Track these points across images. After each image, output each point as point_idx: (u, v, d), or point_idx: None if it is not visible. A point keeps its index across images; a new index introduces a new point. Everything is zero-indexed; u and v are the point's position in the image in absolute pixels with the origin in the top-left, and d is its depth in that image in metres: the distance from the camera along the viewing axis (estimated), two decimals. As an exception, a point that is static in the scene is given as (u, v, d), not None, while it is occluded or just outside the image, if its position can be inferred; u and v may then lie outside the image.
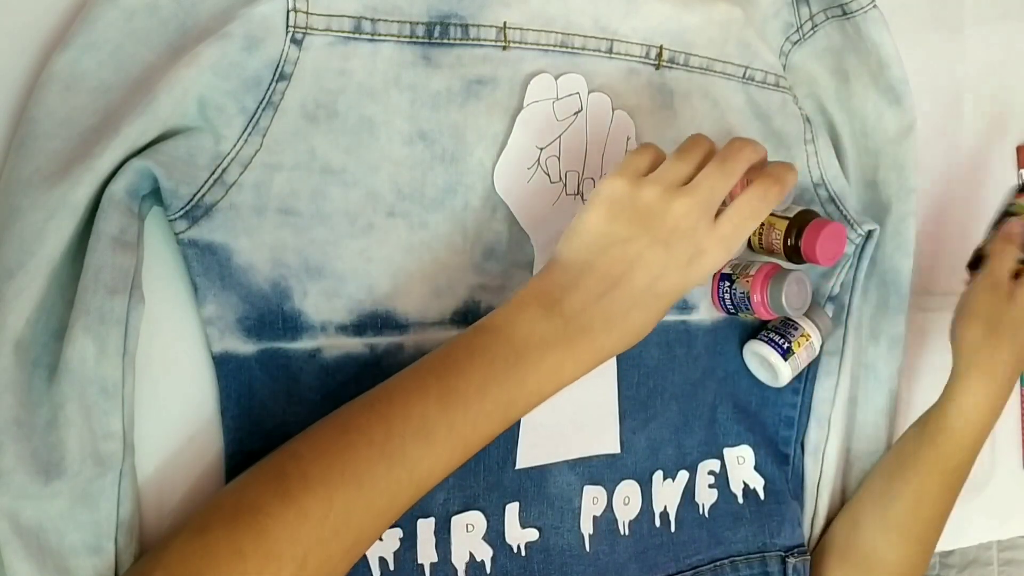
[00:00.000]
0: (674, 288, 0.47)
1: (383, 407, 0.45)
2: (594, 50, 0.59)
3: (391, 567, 0.53)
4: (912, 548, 0.67)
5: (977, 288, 0.67)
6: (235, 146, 0.49)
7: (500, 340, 0.46)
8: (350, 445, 0.43)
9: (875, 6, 0.66)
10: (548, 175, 0.57)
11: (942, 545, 0.84)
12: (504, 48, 0.56)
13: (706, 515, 0.66)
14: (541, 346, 0.46)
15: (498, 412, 0.45)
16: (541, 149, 0.57)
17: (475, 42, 0.55)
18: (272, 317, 0.50)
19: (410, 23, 0.53)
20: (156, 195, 0.48)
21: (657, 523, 0.63)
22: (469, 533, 0.56)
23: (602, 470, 0.61)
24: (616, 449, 0.61)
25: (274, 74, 0.49)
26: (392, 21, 0.52)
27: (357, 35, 0.51)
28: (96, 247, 0.45)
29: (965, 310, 0.67)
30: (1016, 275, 0.67)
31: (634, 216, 0.47)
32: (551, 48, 0.57)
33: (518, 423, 0.57)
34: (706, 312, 0.65)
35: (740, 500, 0.67)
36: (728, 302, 0.64)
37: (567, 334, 0.46)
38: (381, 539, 0.53)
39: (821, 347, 0.68)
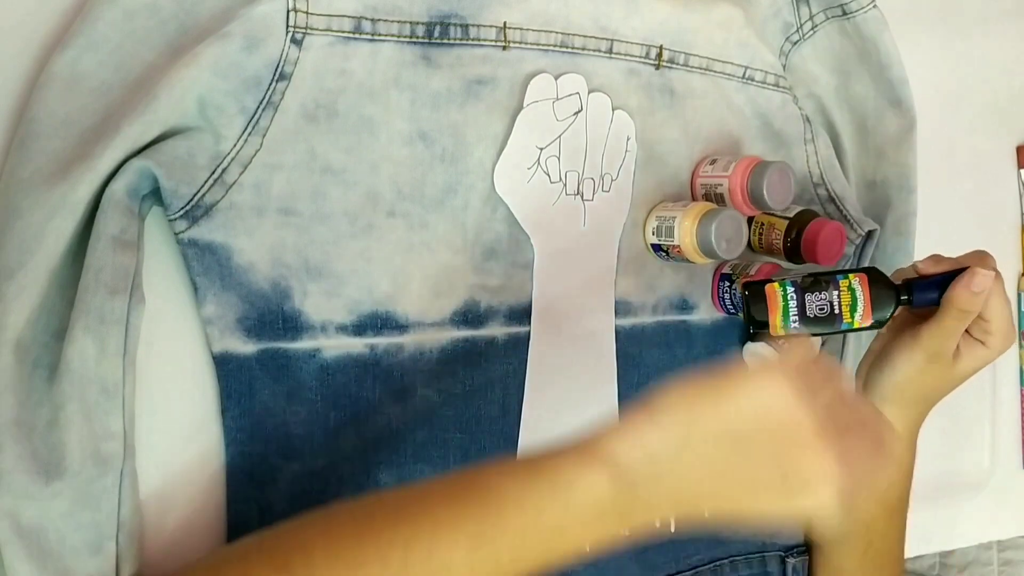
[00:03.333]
0: None
1: (407, 530, 0.40)
2: (594, 50, 0.59)
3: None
4: (881, 568, 0.65)
5: (916, 361, 0.57)
6: (235, 146, 0.49)
7: (554, 501, 0.40)
8: (363, 562, 0.39)
9: (875, 6, 0.66)
10: (548, 175, 0.57)
11: (942, 545, 0.84)
12: (504, 48, 0.56)
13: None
14: (598, 518, 0.41)
15: (528, 569, 0.41)
16: (541, 149, 0.57)
17: (475, 42, 0.55)
18: (272, 317, 0.50)
19: (410, 23, 0.53)
20: (156, 195, 0.48)
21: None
22: (469, 533, 0.56)
23: (602, 470, 0.61)
24: (616, 449, 0.61)
25: (274, 74, 0.49)
26: (392, 21, 0.52)
27: (357, 35, 0.51)
28: (96, 247, 0.45)
29: (905, 388, 0.58)
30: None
31: None
32: (551, 48, 0.57)
33: (518, 423, 0.57)
34: (706, 312, 0.65)
35: (740, 500, 0.67)
36: (728, 302, 0.64)
37: (630, 512, 0.42)
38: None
39: (821, 347, 0.68)
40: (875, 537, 0.64)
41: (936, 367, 0.57)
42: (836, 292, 0.54)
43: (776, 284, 0.55)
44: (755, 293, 0.55)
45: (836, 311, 0.54)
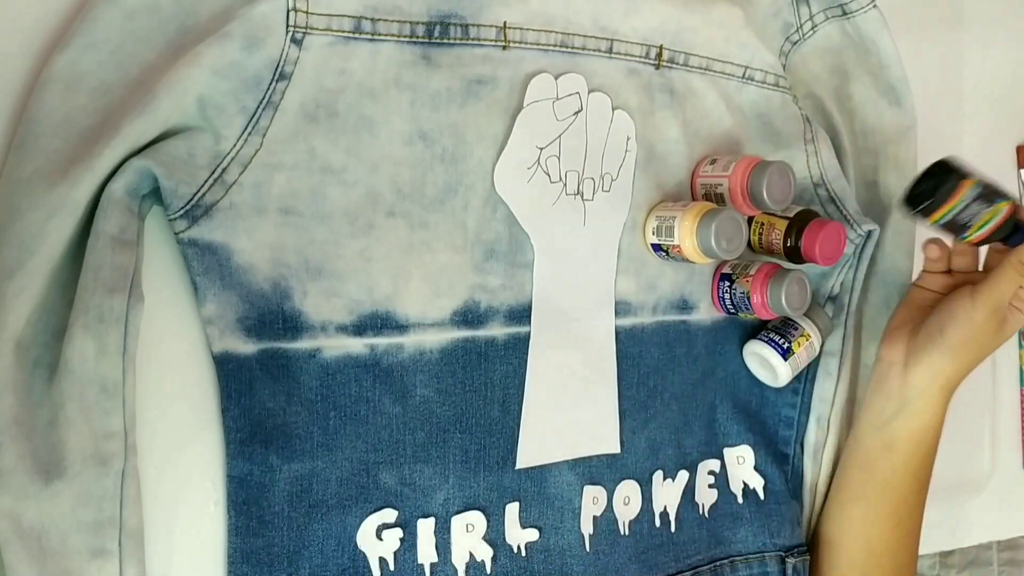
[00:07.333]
0: None
1: None
2: (594, 50, 0.59)
3: (391, 567, 0.53)
4: (895, 562, 0.67)
5: (979, 314, 0.61)
6: (235, 146, 0.49)
7: None
8: None
9: (875, 6, 0.66)
10: (548, 175, 0.57)
11: (942, 545, 0.84)
12: (504, 48, 0.56)
13: (706, 515, 0.66)
14: None
15: None
16: (541, 149, 0.57)
17: (475, 42, 0.55)
18: (272, 317, 0.50)
19: (410, 23, 0.53)
20: (156, 194, 0.48)
21: (657, 523, 0.63)
22: (469, 533, 0.56)
23: (602, 470, 0.61)
24: (616, 449, 0.61)
25: (274, 74, 0.49)
26: (392, 21, 0.52)
27: (357, 35, 0.51)
28: (95, 246, 0.45)
29: (964, 342, 0.62)
30: None
31: None
32: (551, 48, 0.57)
33: (518, 424, 0.57)
34: (706, 312, 0.65)
35: (740, 500, 0.67)
36: (728, 302, 0.64)
37: None
38: (381, 539, 0.53)
39: (821, 347, 0.68)
40: (901, 505, 0.66)
41: (991, 323, 0.61)
42: (987, 210, 0.57)
43: (970, 183, 0.56)
44: (946, 187, 0.55)
45: (969, 224, 0.57)
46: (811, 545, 0.71)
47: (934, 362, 0.62)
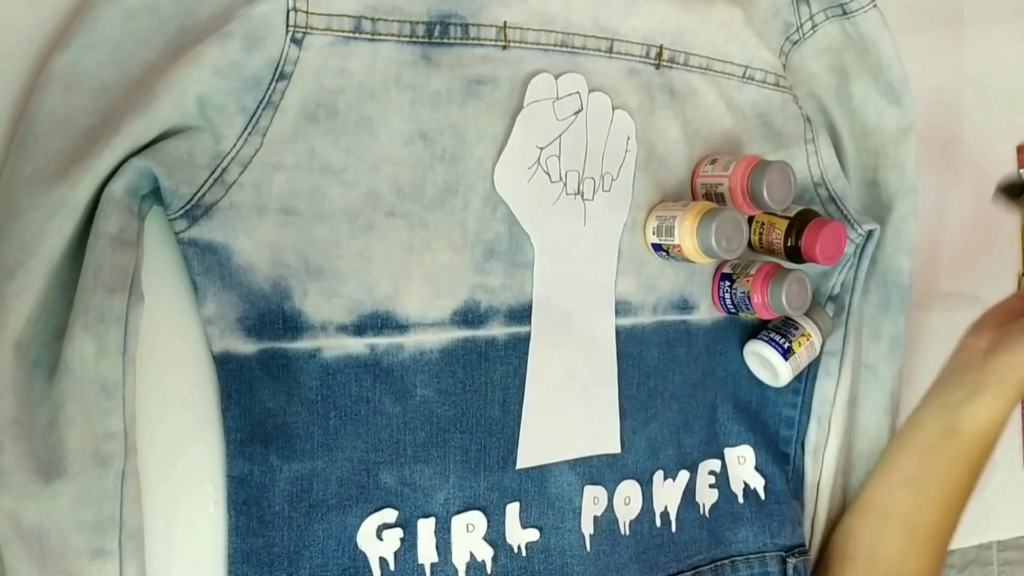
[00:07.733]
0: None
1: None
2: (594, 50, 0.59)
3: (391, 567, 0.53)
4: (934, 551, 0.67)
5: None
6: (235, 145, 0.49)
7: None
8: None
9: (875, 6, 0.66)
10: (548, 175, 0.57)
11: (942, 545, 0.84)
12: (504, 48, 0.56)
13: (707, 515, 0.66)
14: None
15: None
16: (541, 149, 0.57)
17: (475, 42, 0.55)
18: (272, 317, 0.50)
19: (410, 23, 0.53)
20: (156, 194, 0.48)
21: (658, 523, 0.63)
22: (470, 533, 0.56)
23: (602, 470, 0.61)
24: (616, 449, 0.61)
25: (274, 74, 0.49)
26: (392, 21, 0.52)
27: (357, 35, 0.51)
28: (95, 246, 0.45)
29: None
30: None
31: None
32: (551, 48, 0.57)
33: (518, 424, 0.57)
34: (706, 312, 0.65)
35: (741, 500, 0.67)
36: (728, 302, 0.64)
37: None
38: (381, 539, 0.53)
39: (821, 347, 0.68)
40: (952, 494, 0.66)
41: None
42: None
43: None
44: None
45: None
46: (826, 542, 0.71)
47: (1018, 352, 0.62)
